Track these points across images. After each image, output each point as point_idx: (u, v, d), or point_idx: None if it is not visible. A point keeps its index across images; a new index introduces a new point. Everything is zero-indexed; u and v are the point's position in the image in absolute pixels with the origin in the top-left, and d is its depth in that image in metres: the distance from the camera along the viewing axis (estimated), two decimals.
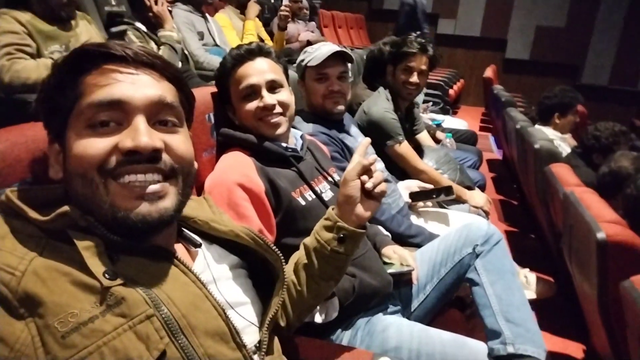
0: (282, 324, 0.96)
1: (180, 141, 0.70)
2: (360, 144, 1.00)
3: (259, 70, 1.27)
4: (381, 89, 2.28)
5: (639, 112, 7.04)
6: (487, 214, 2.08)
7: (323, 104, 1.71)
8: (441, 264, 1.42)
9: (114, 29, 1.64)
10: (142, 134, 0.64)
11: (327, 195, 1.31)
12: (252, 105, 1.26)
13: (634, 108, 7.08)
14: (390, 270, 1.34)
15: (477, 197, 2.12)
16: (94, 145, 0.64)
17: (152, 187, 0.65)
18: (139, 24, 2.29)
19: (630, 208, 1.60)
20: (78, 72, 0.67)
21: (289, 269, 0.98)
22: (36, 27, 1.84)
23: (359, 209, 0.93)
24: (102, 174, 0.64)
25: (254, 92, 1.26)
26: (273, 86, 1.28)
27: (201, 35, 2.85)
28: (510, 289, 1.32)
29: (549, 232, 2.44)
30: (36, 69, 1.72)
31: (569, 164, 2.22)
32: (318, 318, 1.14)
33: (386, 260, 1.40)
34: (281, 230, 1.20)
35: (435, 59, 2.26)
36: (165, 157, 0.67)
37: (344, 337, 1.26)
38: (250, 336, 0.76)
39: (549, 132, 3.05)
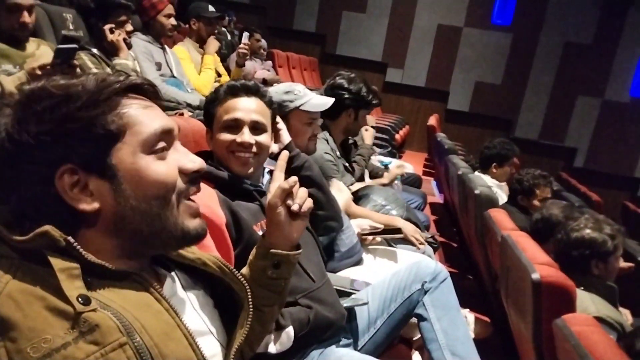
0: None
1: None
2: (279, 158, 0.99)
3: (248, 109, 1.31)
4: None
5: (565, 165, 7.65)
6: (417, 246, 2.18)
7: (308, 145, 1.80)
8: (391, 300, 1.48)
9: (61, 46, 1.61)
10: (190, 154, 0.73)
11: None
12: (228, 136, 1.29)
13: (561, 162, 7.68)
14: (345, 304, 1.38)
15: (408, 227, 2.21)
16: (166, 169, 0.69)
17: (196, 205, 0.74)
18: (95, 50, 2.29)
19: (560, 251, 1.74)
20: (116, 104, 0.68)
21: None
22: None
23: (289, 232, 0.92)
24: (177, 195, 0.70)
25: (236, 126, 1.29)
26: (256, 127, 1.31)
27: (159, 66, 2.85)
28: (455, 324, 1.41)
29: (486, 273, 2.57)
30: None
31: (505, 210, 2.40)
32: (272, 348, 1.15)
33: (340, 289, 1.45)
34: (240, 263, 1.20)
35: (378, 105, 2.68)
36: None
37: None
38: None
39: (487, 179, 3.27)
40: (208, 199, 1.19)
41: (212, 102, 1.35)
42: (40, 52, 1.99)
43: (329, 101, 1.84)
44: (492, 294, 2.46)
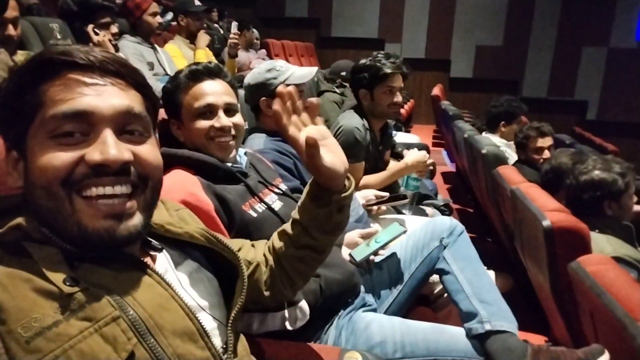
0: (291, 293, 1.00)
1: (149, 150, 0.69)
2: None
3: (218, 91, 1.27)
4: (350, 111, 2.28)
5: (578, 119, 7.49)
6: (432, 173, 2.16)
7: None
8: (411, 260, 1.48)
9: None
10: (110, 147, 0.62)
11: (277, 205, 1.33)
12: (205, 123, 1.26)
13: (573, 117, 7.53)
14: (363, 257, 1.38)
15: (411, 157, 2.20)
16: (59, 157, 0.61)
17: (119, 206, 0.64)
18: None
19: (571, 197, 1.71)
20: (39, 79, 0.64)
21: (277, 244, 0.97)
22: None
23: (335, 165, 0.85)
24: (66, 187, 0.62)
25: (210, 111, 1.26)
26: (229, 109, 1.29)
27: (151, 66, 2.85)
28: (478, 273, 1.41)
29: (503, 233, 2.53)
30: None
31: (515, 167, 2.36)
32: (289, 325, 1.14)
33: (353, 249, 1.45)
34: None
35: (406, 75, 2.24)
36: (133, 169, 0.66)
37: (328, 338, 1.27)
38: (218, 338, 0.76)
39: (495, 139, 3.21)
40: (191, 186, 1.17)
41: (174, 91, 1.29)
42: None
43: (312, 70, 1.82)
44: (511, 252, 2.43)
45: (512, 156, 3.11)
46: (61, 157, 0.62)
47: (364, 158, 2.15)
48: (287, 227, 0.97)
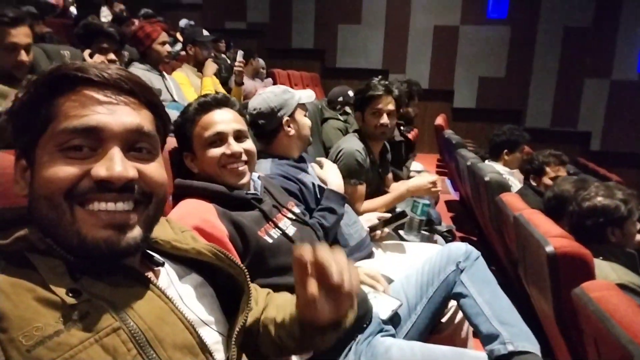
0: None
1: (155, 168, 0.70)
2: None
3: (226, 119, 1.29)
4: (351, 134, 2.33)
5: (581, 150, 7.51)
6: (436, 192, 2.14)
7: (308, 136, 1.83)
8: (428, 284, 1.47)
9: None
10: (116, 164, 0.63)
11: (290, 230, 1.34)
12: (217, 151, 1.27)
13: (576, 147, 7.54)
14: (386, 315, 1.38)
15: (415, 182, 2.19)
16: (65, 170, 0.62)
17: (120, 217, 0.64)
18: None
19: (574, 223, 1.70)
20: (55, 93, 0.66)
21: (271, 314, 0.89)
22: None
23: (331, 309, 0.72)
24: (69, 199, 0.62)
25: (220, 139, 1.27)
26: (239, 135, 1.30)
27: (159, 92, 2.89)
28: (497, 296, 1.40)
29: (507, 261, 2.52)
30: None
31: (520, 194, 2.36)
32: (295, 358, 1.13)
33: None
34: (251, 273, 1.19)
35: (400, 99, 2.29)
36: (137, 187, 0.66)
37: None
38: (221, 353, 0.75)
39: (498, 167, 3.23)
40: (205, 213, 1.19)
41: (184, 125, 1.30)
42: None
43: (312, 94, 1.88)
44: (515, 280, 2.41)
45: (515, 184, 3.12)
46: (67, 170, 0.63)
47: (365, 181, 2.16)
48: (273, 312, 0.89)
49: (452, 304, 1.59)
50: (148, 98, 0.71)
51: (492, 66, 7.76)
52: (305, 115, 1.83)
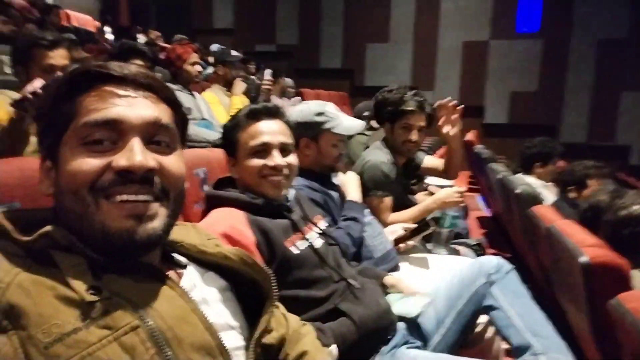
0: None
1: (174, 161, 0.71)
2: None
3: (274, 131, 1.29)
4: (380, 143, 2.30)
5: (620, 165, 7.23)
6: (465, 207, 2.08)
7: (334, 164, 1.79)
8: (457, 297, 1.42)
9: None
10: (136, 153, 0.64)
11: (317, 243, 1.34)
12: (259, 162, 1.27)
13: (615, 162, 7.27)
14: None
15: (442, 194, 2.14)
16: (88, 163, 0.64)
17: (142, 207, 0.65)
18: None
19: (610, 233, 1.63)
20: (76, 91, 0.67)
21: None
22: None
23: None
24: (94, 192, 0.64)
25: (264, 150, 1.28)
26: (284, 149, 1.30)
27: (189, 111, 2.98)
28: (530, 308, 1.34)
29: (541, 276, 2.42)
30: None
31: (554, 207, 2.28)
32: None
33: (392, 296, 1.41)
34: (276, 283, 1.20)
35: (432, 117, 2.23)
36: (157, 178, 0.67)
37: None
38: (243, 358, 0.75)
39: (530, 180, 3.13)
40: (234, 220, 1.20)
41: (233, 129, 1.32)
42: None
43: (359, 124, 1.81)
44: (550, 298, 2.31)
45: (549, 198, 3.01)
46: (90, 163, 0.64)
47: (391, 192, 2.13)
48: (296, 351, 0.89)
49: (484, 318, 1.53)
50: (166, 94, 0.73)
51: (524, 80, 7.64)
52: (335, 145, 1.76)
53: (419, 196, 2.48)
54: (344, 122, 1.76)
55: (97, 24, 6.88)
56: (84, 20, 6.86)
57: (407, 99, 2.16)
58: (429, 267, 1.87)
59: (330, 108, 1.78)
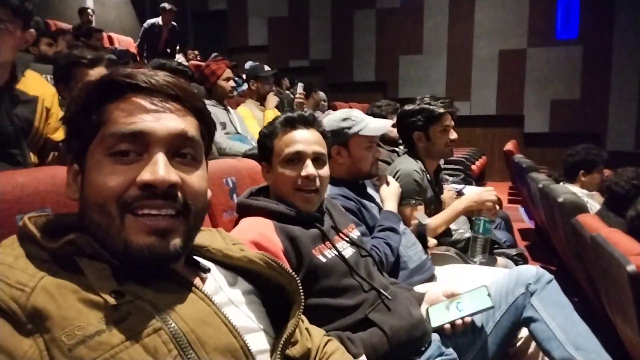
0: None
1: (197, 178, 0.71)
2: None
3: (308, 140, 1.29)
4: (406, 155, 2.29)
5: None
6: (499, 204, 2.00)
7: (370, 170, 1.78)
8: (495, 307, 1.36)
9: None
10: (160, 168, 0.65)
11: (347, 252, 1.31)
12: (293, 172, 1.27)
13: None
14: (439, 324, 1.30)
15: (474, 196, 2.08)
16: (114, 179, 0.65)
17: (164, 223, 0.66)
18: None
19: None
20: (105, 99, 0.68)
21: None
22: None
23: None
24: (121, 207, 0.65)
25: (298, 159, 1.28)
26: (317, 159, 1.30)
27: (223, 125, 3.04)
28: (572, 320, 1.28)
29: (589, 288, 2.30)
30: None
31: (600, 216, 2.16)
32: None
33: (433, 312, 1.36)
34: (304, 291, 1.19)
35: (454, 114, 2.26)
36: (180, 194, 0.67)
37: None
38: None
39: (575, 189, 2.99)
40: (263, 228, 1.20)
41: (268, 136, 1.32)
42: None
43: (387, 124, 1.82)
44: (600, 312, 2.19)
45: (595, 207, 2.87)
46: (116, 179, 0.65)
47: (424, 201, 2.09)
48: None
49: (525, 332, 1.46)
50: (193, 104, 0.73)
51: (565, 88, 7.43)
52: (367, 147, 1.75)
53: (446, 197, 2.42)
54: (371, 124, 1.76)
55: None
56: (126, 42, 7.19)
57: (434, 104, 2.20)
58: (467, 276, 1.80)
59: (355, 112, 1.79)
